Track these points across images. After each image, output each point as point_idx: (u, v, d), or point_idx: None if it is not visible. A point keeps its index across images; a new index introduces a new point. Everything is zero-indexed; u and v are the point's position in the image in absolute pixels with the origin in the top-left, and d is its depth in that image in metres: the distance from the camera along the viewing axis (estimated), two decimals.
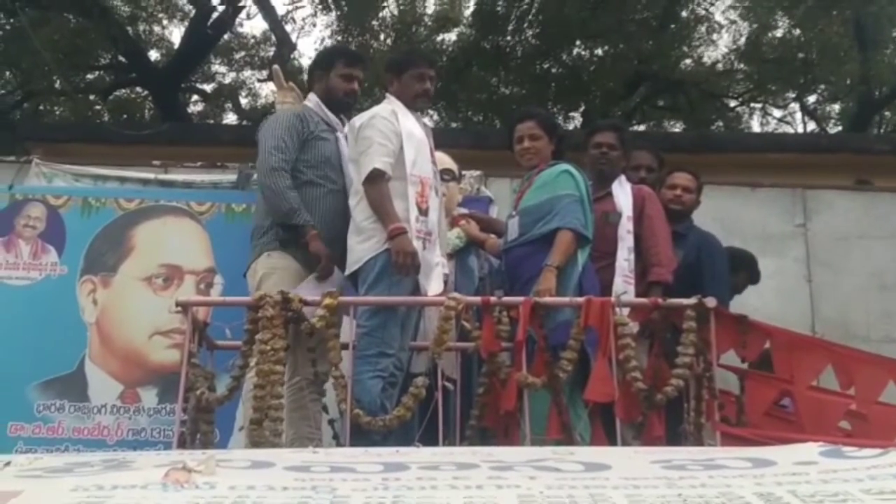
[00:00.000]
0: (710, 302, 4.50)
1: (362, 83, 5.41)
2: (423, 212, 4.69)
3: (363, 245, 4.63)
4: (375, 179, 4.62)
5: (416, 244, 4.57)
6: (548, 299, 4.55)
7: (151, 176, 6.75)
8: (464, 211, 5.75)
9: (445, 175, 5.58)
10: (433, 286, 4.68)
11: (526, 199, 5.11)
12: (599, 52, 15.52)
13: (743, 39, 15.52)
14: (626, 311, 4.57)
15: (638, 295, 4.99)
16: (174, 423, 4.76)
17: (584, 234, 4.90)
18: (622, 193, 5.35)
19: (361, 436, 4.24)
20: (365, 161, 4.66)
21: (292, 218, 4.74)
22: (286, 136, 4.91)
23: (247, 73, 17.40)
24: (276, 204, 4.82)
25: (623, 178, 5.45)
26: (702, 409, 4.45)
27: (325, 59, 5.37)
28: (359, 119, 4.84)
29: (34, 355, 5.66)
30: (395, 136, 4.72)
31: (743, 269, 6.01)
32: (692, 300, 4.52)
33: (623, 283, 5.03)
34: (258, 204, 5.15)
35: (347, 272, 4.70)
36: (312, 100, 5.23)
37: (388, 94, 5.05)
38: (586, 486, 2.23)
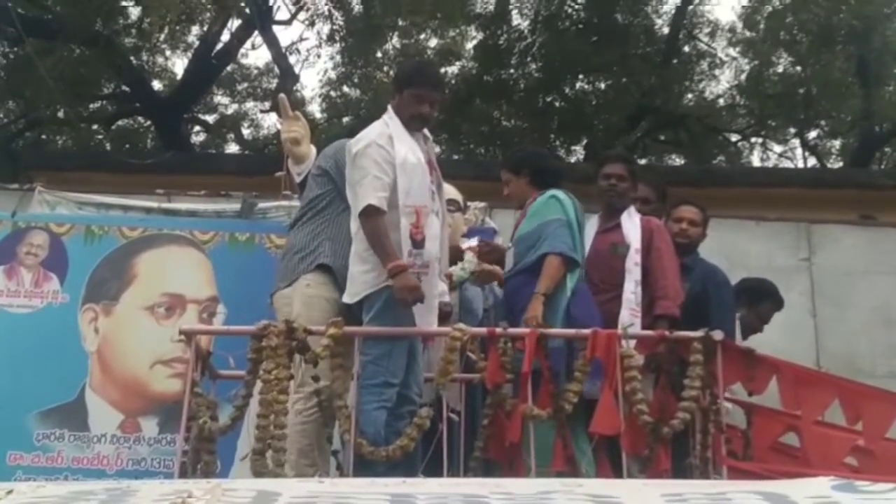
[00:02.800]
0: (718, 335, 4.48)
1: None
2: (419, 244, 4.58)
3: (367, 276, 4.55)
4: (370, 215, 4.52)
5: None
6: (551, 330, 4.53)
7: (155, 204, 6.72)
8: (470, 243, 5.71)
9: (450, 206, 5.55)
10: (431, 319, 4.64)
11: (520, 229, 5.16)
12: (602, 86, 15.58)
13: (744, 75, 15.57)
14: (632, 343, 4.54)
15: (644, 328, 4.97)
16: (175, 452, 4.73)
17: (571, 258, 4.89)
18: (631, 225, 5.32)
19: (364, 467, 4.20)
20: (360, 194, 4.56)
21: None
22: None
23: (249, 104, 17.46)
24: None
25: (632, 209, 5.42)
26: (708, 443, 4.42)
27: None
28: (355, 144, 4.71)
29: (34, 384, 5.61)
30: (390, 166, 4.60)
31: (767, 299, 5.94)
32: (699, 333, 4.49)
33: (630, 315, 5.00)
34: (300, 224, 5.05)
35: (351, 300, 4.63)
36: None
37: (389, 107, 4.91)
38: None
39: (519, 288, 4.95)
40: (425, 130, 4.96)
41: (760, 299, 5.86)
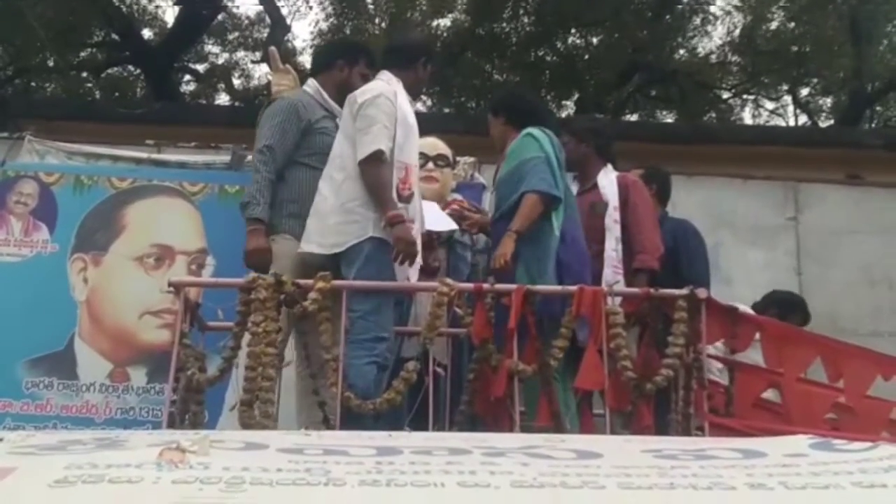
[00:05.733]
0: (702, 293, 4.51)
1: None
2: (405, 198, 4.63)
3: (349, 227, 4.56)
4: (377, 161, 4.55)
5: None
6: (540, 287, 4.54)
7: (144, 155, 6.71)
8: (458, 197, 5.74)
9: (440, 161, 5.60)
10: (412, 273, 4.66)
11: (500, 173, 5.11)
12: (594, 40, 15.53)
13: (737, 31, 15.53)
14: (617, 300, 4.57)
15: (625, 283, 5.02)
16: (163, 402, 4.75)
17: (552, 195, 4.82)
18: (608, 183, 5.36)
19: (352, 419, 4.24)
20: (367, 140, 4.57)
21: (243, 211, 4.76)
22: (279, 129, 4.88)
23: (240, 53, 17.36)
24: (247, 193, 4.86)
25: (609, 167, 5.47)
26: (690, 400, 4.46)
27: (351, 53, 5.29)
28: (361, 95, 4.72)
29: (24, 332, 5.61)
30: (394, 119, 4.65)
31: (795, 312, 5.94)
32: (684, 291, 4.52)
33: (612, 273, 5.05)
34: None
35: (327, 252, 4.62)
36: (312, 86, 5.16)
37: (388, 73, 4.93)
38: (578, 474, 2.24)
39: (502, 232, 4.85)
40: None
41: (789, 312, 5.87)
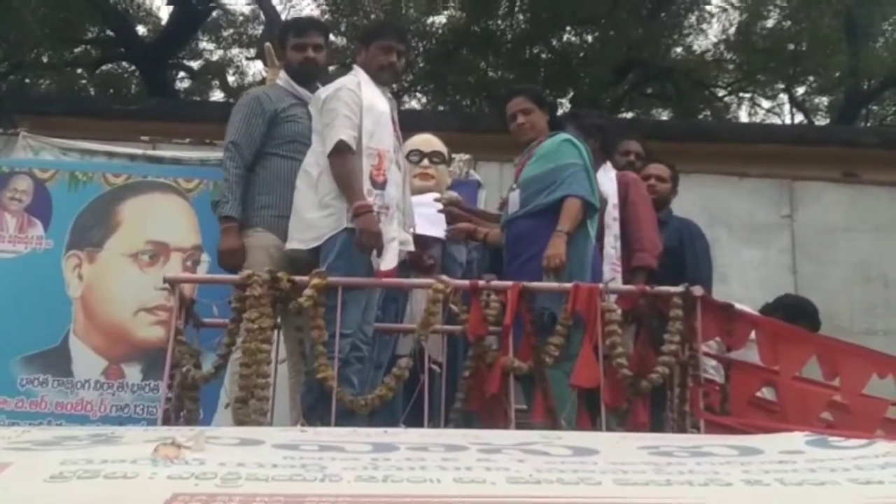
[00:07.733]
0: (698, 290, 4.51)
1: (323, 46, 5.34)
2: (379, 185, 4.64)
3: (325, 221, 4.60)
4: (341, 152, 4.59)
5: None
6: (536, 284, 4.54)
7: (139, 151, 6.70)
8: (453, 194, 5.73)
9: (435, 157, 5.60)
10: (386, 260, 4.59)
11: (527, 171, 5.05)
12: (589, 38, 15.49)
13: (733, 29, 15.51)
14: (612, 297, 4.56)
15: (624, 281, 5.01)
16: (158, 399, 4.75)
17: (592, 203, 4.86)
18: (607, 180, 5.33)
19: (344, 414, 4.23)
20: (330, 133, 4.63)
21: (215, 210, 4.88)
22: (243, 124, 4.99)
23: (234, 50, 17.29)
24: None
25: (608, 164, 5.45)
26: (686, 397, 4.46)
27: (279, 38, 5.46)
28: (325, 91, 4.81)
29: (18, 329, 5.60)
30: (358, 108, 4.69)
31: (802, 318, 5.89)
32: (679, 288, 4.51)
33: (610, 270, 5.04)
34: None
35: (307, 247, 4.66)
36: (283, 77, 5.29)
37: (354, 65, 5.02)
38: (575, 470, 2.24)
39: (529, 232, 4.87)
40: (389, 94, 5.04)
41: (796, 318, 5.79)
